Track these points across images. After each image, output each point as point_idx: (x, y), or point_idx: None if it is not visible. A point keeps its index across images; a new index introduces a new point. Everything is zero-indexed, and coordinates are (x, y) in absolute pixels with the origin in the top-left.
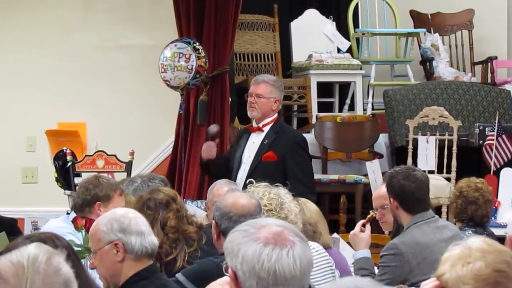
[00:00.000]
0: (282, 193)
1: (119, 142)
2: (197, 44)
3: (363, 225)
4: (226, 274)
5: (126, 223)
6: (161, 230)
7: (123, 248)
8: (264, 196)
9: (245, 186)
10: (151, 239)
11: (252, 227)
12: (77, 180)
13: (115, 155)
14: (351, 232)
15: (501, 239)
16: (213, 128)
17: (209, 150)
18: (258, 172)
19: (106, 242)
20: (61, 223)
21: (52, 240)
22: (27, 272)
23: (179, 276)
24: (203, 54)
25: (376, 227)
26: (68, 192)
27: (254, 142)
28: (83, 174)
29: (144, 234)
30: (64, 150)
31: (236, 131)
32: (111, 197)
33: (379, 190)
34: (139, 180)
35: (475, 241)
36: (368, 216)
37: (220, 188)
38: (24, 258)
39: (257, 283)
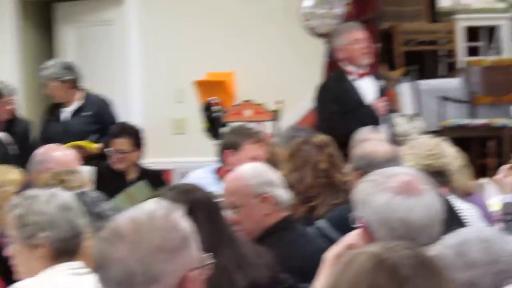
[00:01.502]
0: (444, 143)
1: (267, 92)
2: None
3: (510, 169)
4: (354, 225)
5: (271, 176)
6: (310, 172)
7: (273, 201)
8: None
9: None
10: (287, 192)
11: (382, 176)
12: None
13: (262, 104)
14: (495, 177)
15: None
16: (381, 83)
17: (382, 107)
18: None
19: (254, 195)
20: (203, 174)
21: (193, 192)
22: (145, 228)
23: (320, 222)
24: (349, 0)
25: None
26: (216, 142)
27: (367, 86)
28: (231, 124)
29: (284, 187)
30: (212, 101)
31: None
32: (240, 145)
33: None
34: (287, 132)
35: None
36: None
37: (365, 133)
38: (142, 213)
39: (388, 233)
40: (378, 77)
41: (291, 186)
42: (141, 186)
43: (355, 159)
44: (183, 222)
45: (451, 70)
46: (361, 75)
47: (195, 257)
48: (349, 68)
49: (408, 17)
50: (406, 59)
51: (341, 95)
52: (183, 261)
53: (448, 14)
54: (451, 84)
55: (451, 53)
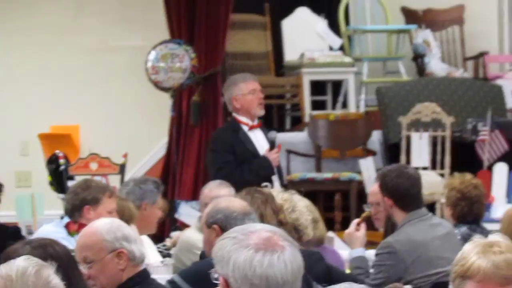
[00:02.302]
0: (295, 197)
1: (113, 145)
2: (187, 44)
3: (358, 224)
4: (215, 281)
5: (127, 231)
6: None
7: (127, 256)
8: (277, 196)
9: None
10: (141, 247)
11: (241, 233)
12: (70, 184)
13: (108, 158)
14: (346, 231)
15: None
16: (273, 134)
17: (277, 158)
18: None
19: (109, 250)
20: (54, 228)
21: (52, 246)
22: (15, 285)
23: (175, 277)
24: (194, 54)
25: (371, 225)
26: (61, 196)
27: (258, 139)
28: (76, 177)
29: (138, 242)
30: (57, 154)
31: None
32: (100, 200)
33: (375, 185)
34: (132, 183)
35: None
36: (363, 214)
37: (213, 189)
38: (13, 271)
39: None
40: (264, 130)
41: None
42: None
43: (210, 214)
44: (55, 279)
45: (298, 124)
46: (252, 127)
47: None
48: (243, 119)
49: (254, 70)
50: None
51: (236, 145)
52: None
53: (295, 68)
54: (297, 138)
55: (297, 107)
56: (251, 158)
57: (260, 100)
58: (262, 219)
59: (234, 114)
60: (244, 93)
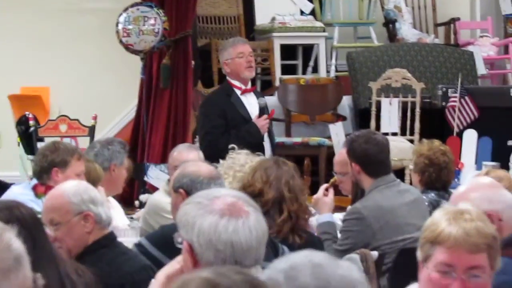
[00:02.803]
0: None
1: (83, 107)
2: (158, 7)
3: (326, 189)
4: (179, 246)
5: (93, 194)
6: None
7: (94, 219)
8: (246, 164)
9: None
10: (108, 210)
11: (206, 198)
12: (39, 145)
13: (78, 120)
14: (314, 196)
15: None
16: (262, 101)
17: (265, 125)
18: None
19: (75, 213)
20: (22, 190)
21: (18, 208)
22: None
23: (142, 240)
24: (165, 18)
25: (339, 190)
26: (31, 157)
27: (250, 102)
28: (46, 139)
29: (105, 204)
30: (27, 115)
31: (200, 94)
32: (68, 162)
33: (339, 155)
34: (98, 145)
35: None
36: (331, 180)
37: (182, 152)
38: None
39: (214, 255)
40: (258, 94)
41: None
42: None
43: (177, 178)
44: (16, 242)
45: (268, 88)
46: (245, 91)
47: (28, 278)
48: (235, 82)
49: (225, 34)
50: (223, 76)
51: (228, 109)
52: (16, 282)
53: (265, 32)
54: (268, 102)
55: (267, 71)
56: (242, 123)
57: (249, 63)
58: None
59: (228, 78)
60: (233, 57)
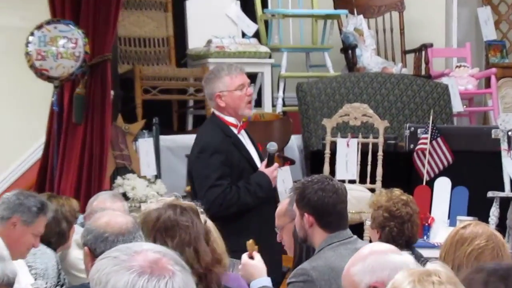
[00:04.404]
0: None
1: None
2: (78, 26)
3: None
4: None
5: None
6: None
7: None
8: None
9: None
10: (12, 266)
11: (124, 253)
12: None
13: None
14: (240, 265)
15: None
16: (273, 147)
17: (276, 177)
18: None
19: None
20: None
21: None
22: None
23: None
24: (87, 39)
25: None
26: None
27: (247, 142)
28: None
29: (5, 260)
30: None
31: (120, 130)
32: None
33: (282, 205)
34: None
35: None
36: (248, 244)
37: (105, 202)
38: None
39: None
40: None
41: None
42: None
43: (83, 232)
44: None
45: (201, 124)
46: (241, 128)
47: None
48: (229, 119)
49: (152, 59)
50: (147, 109)
51: (230, 153)
52: None
53: (200, 58)
54: None
55: (202, 104)
56: (248, 171)
57: (250, 98)
58: None
59: (217, 113)
60: (230, 89)
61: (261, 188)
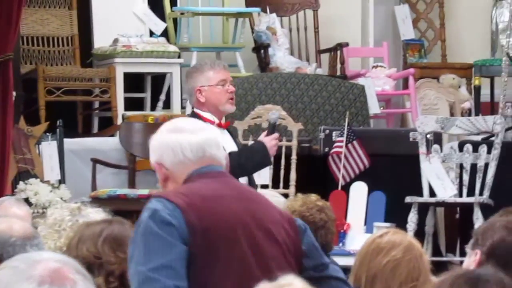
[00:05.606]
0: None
1: None
2: None
3: None
4: None
5: None
6: None
7: None
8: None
9: None
10: None
11: (24, 262)
12: None
13: None
14: None
15: (347, 270)
16: (274, 115)
17: (275, 147)
18: None
19: None
20: None
21: None
22: None
23: None
24: None
25: None
26: None
27: (227, 141)
28: None
29: None
30: None
31: (23, 133)
32: None
33: None
34: None
35: None
36: None
37: (10, 208)
38: None
39: None
40: (234, 132)
41: None
42: None
43: None
44: None
45: (108, 127)
46: (220, 126)
47: None
48: (207, 115)
49: (56, 59)
50: (51, 111)
51: None
52: None
53: (106, 57)
54: (107, 144)
55: (108, 106)
56: None
57: (232, 94)
58: None
59: (196, 110)
60: (212, 84)
61: (253, 153)
